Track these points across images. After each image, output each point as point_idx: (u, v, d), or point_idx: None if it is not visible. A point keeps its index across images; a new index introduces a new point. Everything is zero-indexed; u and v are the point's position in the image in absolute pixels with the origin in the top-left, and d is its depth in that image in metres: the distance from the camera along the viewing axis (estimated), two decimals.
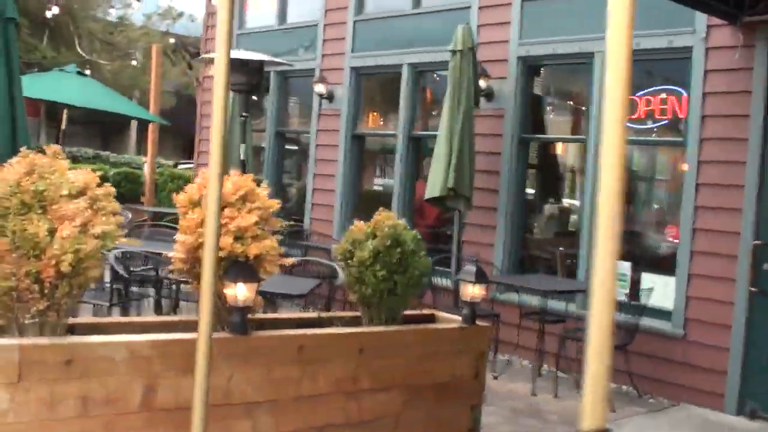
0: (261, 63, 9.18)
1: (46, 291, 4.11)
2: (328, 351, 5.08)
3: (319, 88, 11.08)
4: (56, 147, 4.35)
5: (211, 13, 13.34)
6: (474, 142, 8.86)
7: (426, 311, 6.29)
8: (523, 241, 9.40)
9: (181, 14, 25.88)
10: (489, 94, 9.33)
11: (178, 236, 4.81)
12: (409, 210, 10.41)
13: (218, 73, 4.16)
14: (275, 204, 4.91)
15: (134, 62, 22.68)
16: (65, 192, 4.21)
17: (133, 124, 28.81)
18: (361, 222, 5.68)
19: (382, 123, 11.24)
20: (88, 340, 4.27)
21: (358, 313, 5.78)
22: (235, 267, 4.68)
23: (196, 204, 4.84)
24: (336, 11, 11.18)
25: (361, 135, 11.19)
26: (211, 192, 4.03)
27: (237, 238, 4.68)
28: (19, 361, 3.95)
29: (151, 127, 13.46)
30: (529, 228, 9.70)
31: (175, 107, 24.56)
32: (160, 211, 12.28)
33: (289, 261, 4.92)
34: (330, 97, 11.12)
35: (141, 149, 30.79)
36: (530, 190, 9.70)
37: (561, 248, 9.16)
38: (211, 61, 10.29)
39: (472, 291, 5.89)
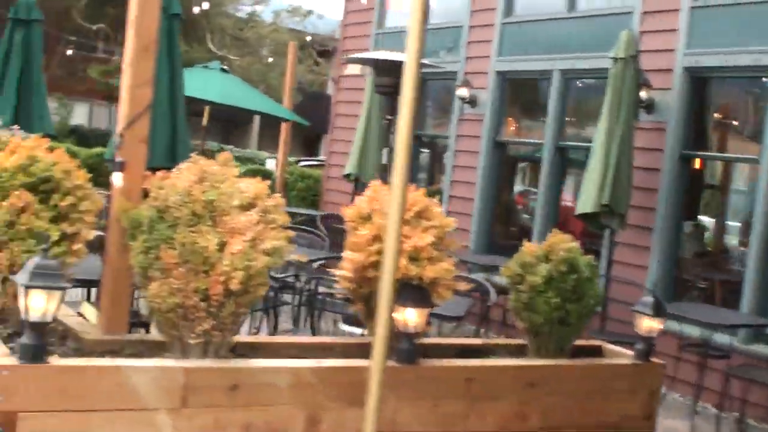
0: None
1: (212, 309, 3.81)
2: (497, 385, 4.66)
3: (462, 91, 10.65)
4: (227, 154, 4.06)
5: (350, 12, 13.08)
6: (632, 156, 8.27)
7: (592, 342, 5.80)
8: (678, 264, 8.75)
9: (310, 12, 25.95)
10: (649, 106, 8.72)
11: (346, 253, 4.46)
12: (552, 223, 9.87)
13: (408, 76, 3.80)
14: (451, 223, 4.51)
15: (270, 59, 22.79)
16: (236, 203, 3.91)
17: (256, 118, 29.00)
18: (533, 243, 5.24)
19: (526, 131, 10.74)
20: (253, 364, 3.97)
21: (521, 341, 5.35)
22: (407, 290, 4.29)
23: (366, 219, 4.49)
24: (483, 12, 10.74)
25: (503, 142, 10.72)
26: (393, 210, 3.66)
27: (412, 259, 4.30)
28: (184, 385, 3.67)
29: (284, 125, 13.31)
30: (686, 251, 9.04)
31: (300, 104, 24.59)
32: (292, 211, 12.10)
33: (464, 286, 4.51)
34: (473, 101, 10.68)
35: (262, 144, 31.03)
36: (689, 211, 9.04)
37: (721, 275, 8.49)
38: (351, 60, 10.02)
39: (650, 325, 5.37)
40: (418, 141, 12.13)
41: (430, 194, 11.89)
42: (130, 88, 4.08)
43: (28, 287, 3.29)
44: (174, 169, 4.03)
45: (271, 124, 27.63)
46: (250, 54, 24.10)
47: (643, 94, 8.57)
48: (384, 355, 3.68)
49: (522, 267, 5.12)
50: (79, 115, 27.74)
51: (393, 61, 8.66)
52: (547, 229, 9.62)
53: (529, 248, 5.20)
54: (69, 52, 23.19)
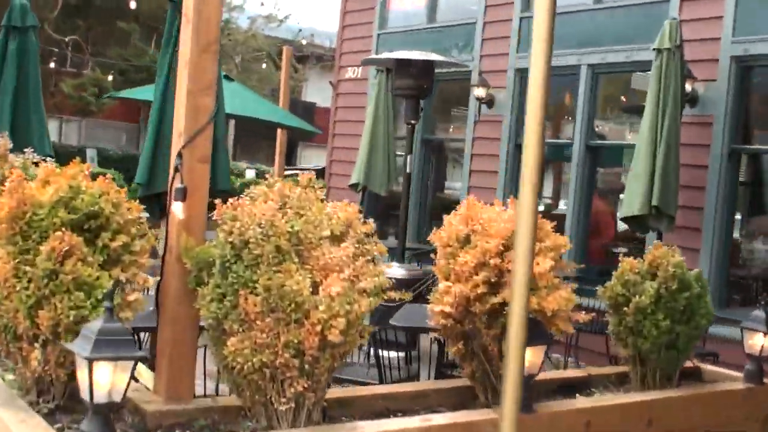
0: (431, 64, 8.16)
1: (306, 366, 3.10)
2: (616, 425, 4.00)
3: (479, 91, 9.98)
4: (310, 174, 3.35)
5: (348, 12, 12.38)
6: (679, 153, 7.65)
7: (688, 364, 5.15)
8: (729, 267, 8.15)
9: (286, 17, 25.20)
10: (693, 99, 8.11)
11: (443, 284, 3.76)
12: (584, 227, 9.25)
13: (534, 84, 3.13)
14: (565, 242, 3.83)
15: (263, 65, 21.95)
16: (326, 233, 3.19)
17: (230, 126, 28.11)
18: (632, 258, 4.58)
19: (552, 131, 10.10)
20: (353, 428, 3.26)
21: (621, 369, 4.71)
22: None
23: (464, 242, 3.79)
24: (498, 7, 10.07)
25: None
26: (522, 231, 2.99)
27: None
28: None
29: (279, 134, 12.58)
30: (737, 253, 8.44)
31: None
32: None
33: (584, 317, 3.83)
34: (490, 102, 10.01)
35: (236, 153, 30.11)
36: (741, 209, 8.44)
37: None
38: (368, 62, 9.32)
39: (763, 343, 4.74)
40: (428, 146, 11.45)
41: (444, 202, 10.89)
42: (189, 96, 3.33)
43: (92, 360, 2.55)
44: (246, 193, 3.32)
45: (247, 131, 26.76)
46: (224, 62, 23.28)
47: (686, 86, 7.97)
48: (515, 411, 3.00)
49: (624, 286, 4.46)
50: (50, 131, 26.68)
51: (418, 61, 8.00)
52: (579, 234, 9.02)
53: (630, 264, 4.54)
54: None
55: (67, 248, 3.00)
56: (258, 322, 3.05)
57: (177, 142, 3.36)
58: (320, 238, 3.19)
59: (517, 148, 9.93)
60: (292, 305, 3.03)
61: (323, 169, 23.22)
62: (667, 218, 7.69)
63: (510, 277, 3.59)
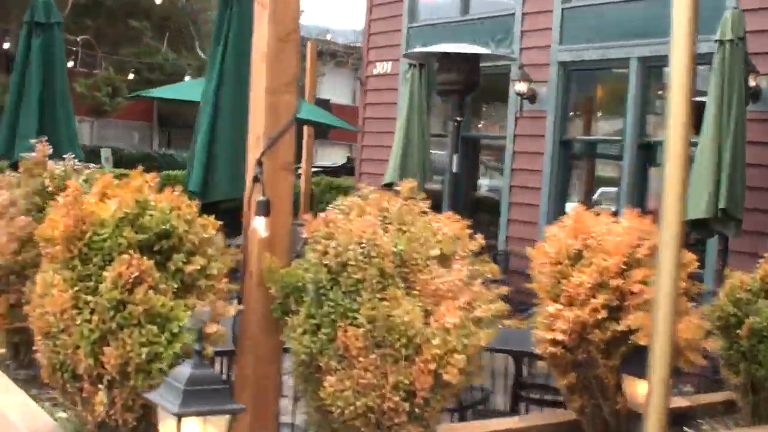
0: (477, 58, 7.68)
1: (417, 409, 2.63)
2: None
3: (520, 86, 9.48)
4: (412, 182, 2.88)
5: (375, 5, 11.89)
6: (746, 151, 7.17)
7: None
8: None
9: (300, 12, 24.62)
10: (756, 94, 7.62)
11: (552, 307, 3.28)
12: None
13: (677, 72, 2.67)
14: (693, 259, 3.35)
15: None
16: (435, 252, 2.73)
17: None
18: (742, 273, 4.11)
19: (599, 127, 9.62)
20: None
21: (726, 396, 4.23)
22: (643, 356, 3.14)
23: (574, 258, 3.32)
24: None
25: (572, 141, 9.58)
26: (667, 248, 2.51)
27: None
28: None
29: (306, 131, 12.13)
30: None
31: None
32: None
33: (713, 344, 3.35)
34: (532, 97, 9.53)
35: None
36: None
37: None
38: (411, 55, 8.84)
39: None
40: (466, 144, 10.95)
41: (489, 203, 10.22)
42: (268, 93, 2.86)
43: (181, 415, 2.09)
44: (332, 207, 2.85)
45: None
46: None
47: (750, 81, 7.49)
48: None
49: (736, 305, 3.98)
50: None
51: (464, 54, 7.52)
52: None
53: (741, 279, 4.06)
54: None
55: (136, 274, 2.53)
56: (361, 359, 2.59)
57: (255, 148, 2.88)
58: (427, 258, 2.72)
59: (563, 145, 9.47)
60: (402, 339, 2.56)
61: (341, 166, 22.83)
62: (734, 222, 7.22)
63: (632, 301, 3.14)
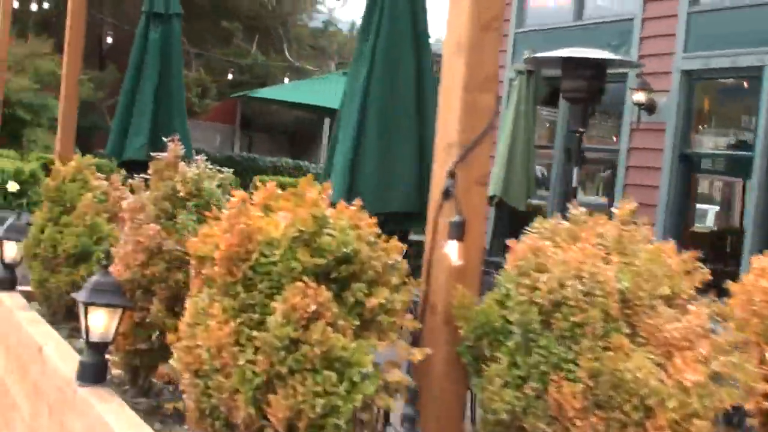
0: (604, 64, 7.15)
1: None
2: None
3: (638, 96, 8.90)
4: (630, 203, 2.40)
5: None
6: None
7: None
8: None
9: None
10: None
11: None
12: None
13: None
14: None
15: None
16: (664, 291, 2.24)
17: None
18: None
19: (725, 141, 8.99)
20: None
21: None
22: None
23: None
24: (661, 1, 9.01)
25: (693, 155, 8.95)
26: None
27: None
28: None
29: None
30: None
31: None
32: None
33: None
34: (651, 107, 8.93)
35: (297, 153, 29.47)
36: None
37: None
38: (530, 61, 8.32)
39: None
40: (566, 155, 10.40)
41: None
42: (465, 92, 2.40)
43: None
44: (533, 230, 2.39)
45: (302, 124, 25.80)
46: (326, 64, 22.49)
47: None
48: None
49: None
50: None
51: (592, 60, 6.99)
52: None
53: None
54: None
55: (313, 307, 2.10)
56: (578, 423, 2.11)
57: (445, 156, 2.43)
58: (652, 298, 2.24)
59: (683, 160, 8.85)
60: (633, 400, 2.08)
61: None
62: None
63: None
